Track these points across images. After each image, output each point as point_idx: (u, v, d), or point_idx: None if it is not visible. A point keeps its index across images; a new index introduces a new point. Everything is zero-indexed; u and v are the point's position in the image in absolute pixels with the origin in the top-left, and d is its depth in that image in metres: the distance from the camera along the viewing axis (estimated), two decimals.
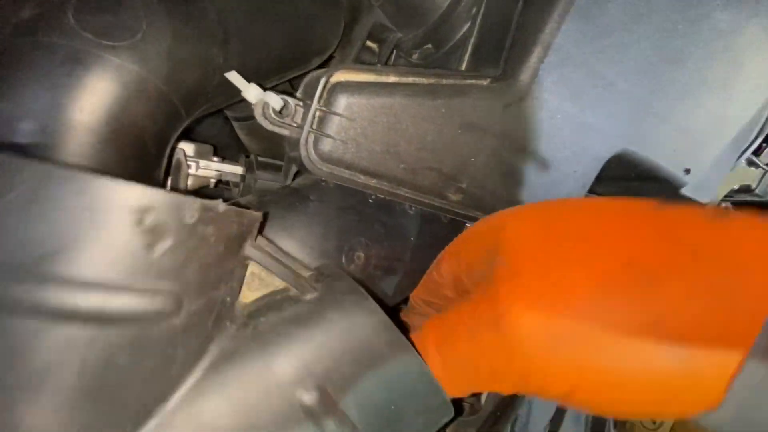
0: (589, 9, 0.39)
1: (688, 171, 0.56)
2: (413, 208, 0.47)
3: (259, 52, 0.44)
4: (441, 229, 0.49)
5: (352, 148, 0.36)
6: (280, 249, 0.34)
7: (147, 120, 0.34)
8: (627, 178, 0.60)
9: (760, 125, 0.69)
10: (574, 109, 0.43)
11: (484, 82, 0.40)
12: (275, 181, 0.58)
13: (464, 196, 0.43)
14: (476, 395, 0.53)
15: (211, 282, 0.26)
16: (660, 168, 0.53)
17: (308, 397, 0.27)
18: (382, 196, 0.44)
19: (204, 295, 0.26)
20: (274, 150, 0.61)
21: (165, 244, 0.23)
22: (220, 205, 0.25)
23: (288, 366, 0.28)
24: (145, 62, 0.32)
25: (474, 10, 0.47)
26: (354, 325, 0.30)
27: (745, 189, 0.96)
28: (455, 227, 0.50)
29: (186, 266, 0.24)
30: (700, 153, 0.55)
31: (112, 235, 0.22)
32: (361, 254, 0.43)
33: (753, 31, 0.50)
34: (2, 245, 0.21)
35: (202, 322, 0.27)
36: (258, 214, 0.28)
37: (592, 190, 0.70)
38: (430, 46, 0.54)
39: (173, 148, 0.43)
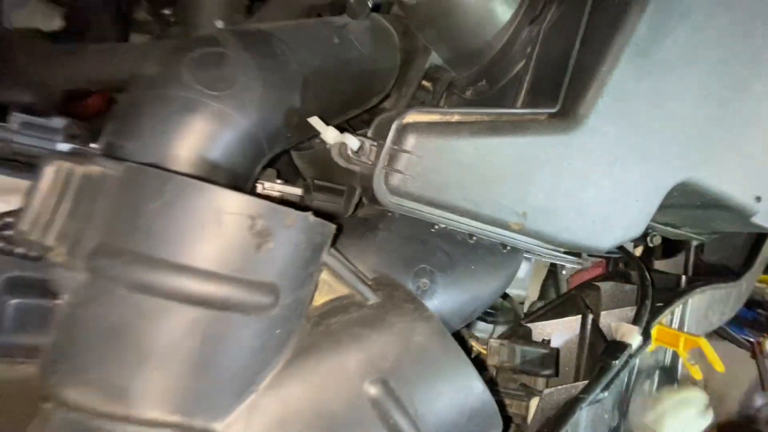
0: (647, 45, 0.40)
1: (759, 199, 0.54)
2: (473, 238, 0.48)
3: (330, 95, 0.49)
4: (501, 258, 0.50)
5: (419, 182, 0.39)
6: (347, 258, 0.37)
7: (238, 156, 0.39)
8: (691, 206, 0.59)
9: None
10: (635, 140, 0.44)
11: (543, 117, 0.42)
12: (330, 203, 0.61)
13: (524, 227, 0.44)
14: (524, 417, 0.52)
15: (300, 282, 0.32)
16: (729, 196, 0.52)
17: (374, 390, 0.31)
18: (444, 227, 0.46)
19: (294, 293, 0.31)
20: (327, 176, 0.65)
21: (269, 246, 0.29)
22: (310, 216, 0.31)
23: (356, 361, 0.32)
24: (240, 108, 0.37)
25: (529, 49, 0.49)
26: (412, 329, 0.34)
27: None
28: (514, 256, 0.51)
29: (284, 266, 0.30)
30: None
31: (232, 236, 0.28)
32: (426, 281, 0.45)
33: None
34: (148, 240, 0.27)
35: (291, 316, 0.32)
36: (333, 226, 0.33)
37: (655, 220, 0.69)
38: (484, 83, 0.57)
39: None
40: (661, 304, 0.60)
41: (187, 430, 0.28)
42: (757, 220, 0.59)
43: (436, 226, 0.47)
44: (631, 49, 0.40)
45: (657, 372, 0.64)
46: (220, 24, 0.64)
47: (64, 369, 0.28)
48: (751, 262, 0.73)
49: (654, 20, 0.40)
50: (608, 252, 0.52)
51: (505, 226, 0.43)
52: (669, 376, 0.64)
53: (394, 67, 0.62)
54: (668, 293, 0.63)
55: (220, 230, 0.28)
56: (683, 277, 0.72)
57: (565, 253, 0.50)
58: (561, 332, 0.60)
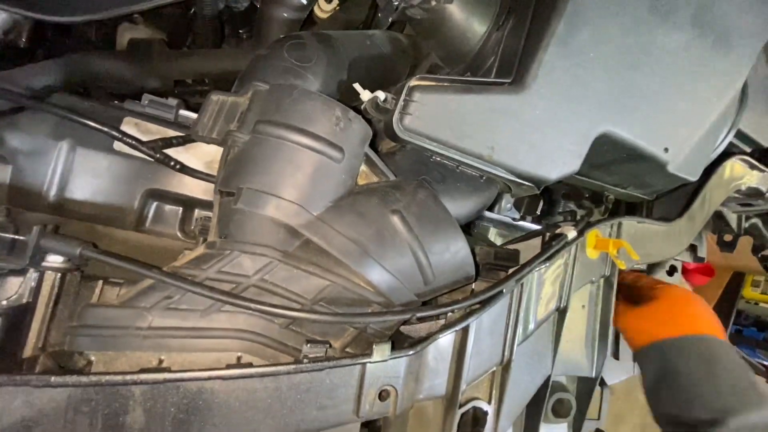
0: (566, 36, 0.64)
1: (666, 150, 0.75)
2: (459, 168, 0.71)
3: (363, 77, 0.73)
4: (480, 184, 0.72)
5: (422, 122, 0.62)
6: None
7: None
8: (620, 160, 0.80)
9: (732, 118, 0.87)
10: (564, 101, 0.67)
11: (502, 84, 0.65)
12: None
13: (492, 158, 0.66)
14: None
15: (352, 153, 0.56)
16: (642, 146, 0.74)
17: (394, 216, 0.57)
18: (439, 158, 0.69)
19: (350, 159, 0.56)
20: None
21: (340, 125, 0.54)
22: (361, 118, 0.56)
23: (380, 199, 0.57)
24: (314, 74, 0.61)
25: (496, 47, 0.73)
26: (417, 191, 0.60)
27: (756, 193, 1.09)
28: (489, 185, 0.73)
29: (345, 139, 0.55)
30: (677, 134, 0.75)
31: (326, 118, 0.54)
32: (427, 186, 0.68)
33: (697, 46, 0.72)
34: (285, 118, 0.51)
35: (349, 170, 0.57)
36: (371, 131, 0.59)
37: (604, 180, 0.90)
38: (468, 74, 0.81)
39: None
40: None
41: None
42: (671, 169, 0.80)
43: (434, 157, 0.69)
44: (555, 39, 0.63)
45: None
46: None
47: (239, 177, 0.54)
48: (682, 213, 0.94)
49: (569, 20, 0.63)
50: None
51: (479, 156, 0.66)
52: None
53: (407, 65, 0.87)
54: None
55: (321, 115, 0.53)
56: None
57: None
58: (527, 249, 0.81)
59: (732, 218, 1.25)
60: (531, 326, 0.72)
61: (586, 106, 0.68)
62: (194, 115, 0.75)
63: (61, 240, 0.51)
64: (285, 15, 0.84)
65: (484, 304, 0.64)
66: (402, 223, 0.55)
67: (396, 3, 0.65)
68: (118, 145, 0.70)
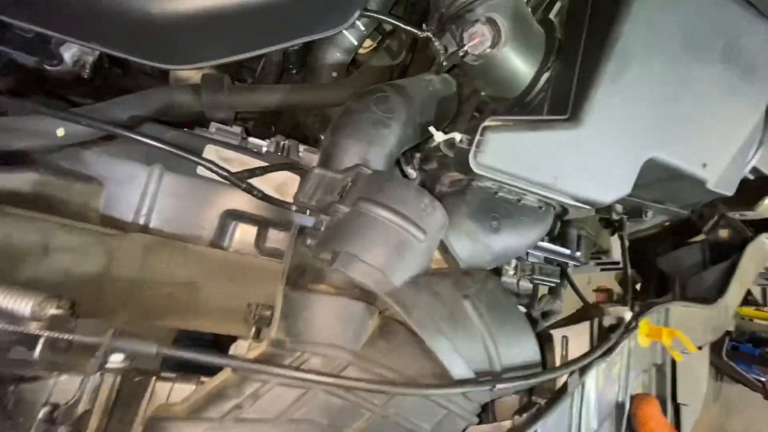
0: (615, 75, 0.72)
1: (705, 165, 0.82)
2: (521, 201, 0.78)
3: (427, 116, 0.81)
4: (539, 214, 0.79)
5: (494, 158, 0.69)
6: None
7: (395, 147, 0.71)
8: (663, 180, 0.87)
9: (759, 135, 0.95)
10: (616, 132, 0.74)
11: (560, 120, 0.73)
12: None
13: (556, 186, 0.73)
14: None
15: (433, 240, 0.65)
16: (683, 167, 0.81)
17: (465, 301, 0.65)
18: (507, 194, 0.75)
19: (431, 242, 0.65)
20: None
21: (428, 210, 0.61)
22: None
23: (453, 283, 0.64)
24: (397, 122, 0.69)
25: (546, 86, 0.81)
26: (486, 280, 0.67)
27: None
28: (547, 214, 0.80)
29: (431, 225, 0.65)
30: (713, 154, 0.82)
31: (413, 205, 0.59)
32: (496, 223, 0.74)
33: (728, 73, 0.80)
34: (383, 198, 0.56)
35: (429, 252, 0.65)
36: (448, 218, 0.67)
37: (645, 197, 0.97)
38: (516, 109, 0.89)
39: None
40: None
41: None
42: (710, 186, 0.87)
43: (499, 193, 0.76)
44: (605, 79, 0.71)
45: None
46: (334, 74, 0.99)
47: (337, 242, 0.59)
48: (721, 292, 1.00)
49: (617, 61, 0.71)
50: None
51: (545, 185, 0.73)
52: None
53: (455, 104, 0.95)
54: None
55: (413, 200, 0.61)
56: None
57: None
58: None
59: (756, 291, 1.31)
60: (593, 425, 0.73)
61: (635, 136, 0.76)
62: (255, 141, 0.86)
63: (135, 340, 0.48)
64: (337, 56, 0.92)
65: (550, 404, 0.65)
66: (473, 308, 0.62)
67: (461, 54, 0.72)
68: (200, 170, 0.78)
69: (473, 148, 0.69)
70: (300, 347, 0.57)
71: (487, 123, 0.69)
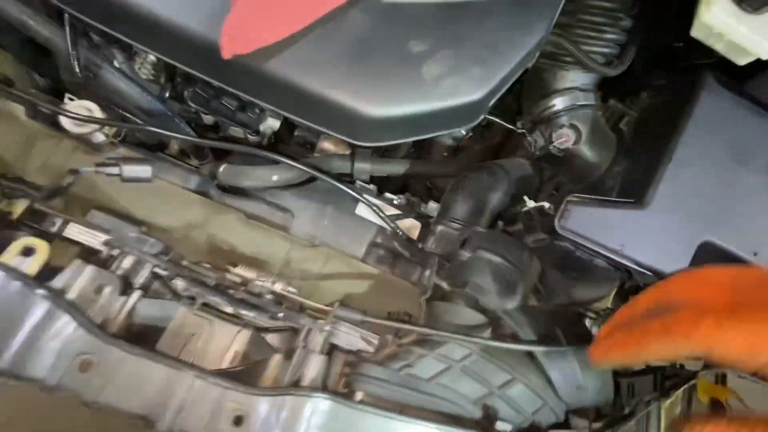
0: (675, 171, 0.93)
1: (756, 254, 0.97)
2: (594, 261, 0.97)
3: (518, 191, 1.05)
4: (611, 273, 0.97)
5: (575, 224, 0.90)
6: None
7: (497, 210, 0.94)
8: (717, 262, 1.02)
9: None
10: (675, 216, 0.93)
11: (630, 203, 0.94)
12: None
13: (623, 252, 0.92)
14: None
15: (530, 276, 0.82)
16: (734, 252, 0.96)
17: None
18: (581, 254, 0.95)
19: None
20: None
21: (525, 257, 0.80)
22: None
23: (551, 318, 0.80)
24: (504, 194, 0.93)
25: (616, 175, 1.04)
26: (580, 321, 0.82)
27: None
28: (615, 273, 0.98)
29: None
30: (762, 242, 0.98)
31: (515, 251, 0.81)
32: (574, 273, 0.93)
33: None
34: (504, 251, 0.80)
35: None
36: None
37: None
38: (589, 192, 1.11)
39: None
40: None
41: None
42: None
43: (576, 253, 0.96)
44: (666, 174, 0.93)
45: None
46: (445, 154, 1.27)
47: (460, 277, 0.81)
48: None
49: (676, 162, 0.93)
50: None
51: (613, 250, 0.92)
52: None
53: (537, 181, 1.19)
54: None
55: (513, 248, 0.88)
56: None
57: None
58: None
59: None
60: None
61: (691, 221, 0.94)
62: (389, 195, 1.17)
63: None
64: (449, 142, 1.20)
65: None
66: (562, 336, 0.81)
67: (551, 148, 0.98)
68: (357, 210, 1.06)
69: (558, 215, 0.91)
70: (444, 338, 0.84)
71: (570, 198, 0.92)
